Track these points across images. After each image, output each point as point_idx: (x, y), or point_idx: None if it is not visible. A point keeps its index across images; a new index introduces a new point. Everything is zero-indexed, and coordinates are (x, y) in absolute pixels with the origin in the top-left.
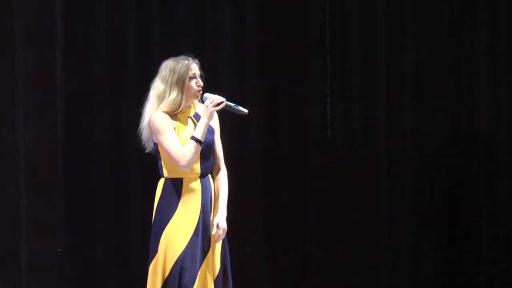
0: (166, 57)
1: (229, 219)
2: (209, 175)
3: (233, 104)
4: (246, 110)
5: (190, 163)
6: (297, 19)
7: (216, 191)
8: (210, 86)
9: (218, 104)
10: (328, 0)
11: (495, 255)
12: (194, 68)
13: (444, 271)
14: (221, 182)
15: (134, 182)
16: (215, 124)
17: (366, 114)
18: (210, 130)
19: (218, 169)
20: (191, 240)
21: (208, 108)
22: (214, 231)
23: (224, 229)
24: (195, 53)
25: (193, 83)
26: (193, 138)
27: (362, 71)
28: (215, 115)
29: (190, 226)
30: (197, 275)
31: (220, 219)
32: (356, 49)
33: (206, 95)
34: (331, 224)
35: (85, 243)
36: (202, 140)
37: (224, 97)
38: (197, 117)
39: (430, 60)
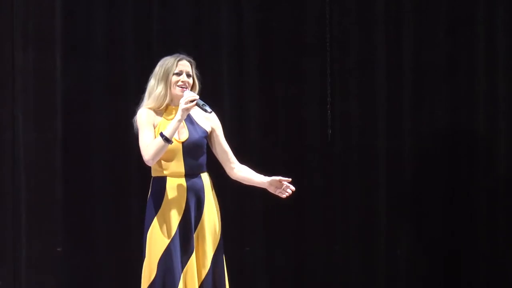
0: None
1: (229, 218)
2: (202, 175)
3: (201, 103)
4: (210, 110)
5: (152, 158)
6: (296, 19)
7: (247, 176)
8: (209, 85)
9: (191, 102)
10: (327, 0)
11: (495, 254)
12: (183, 65)
13: (443, 272)
14: (244, 167)
15: (134, 181)
16: (214, 124)
17: (366, 113)
18: (197, 130)
19: (233, 162)
20: (172, 240)
21: (181, 105)
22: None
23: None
24: (195, 53)
25: (177, 79)
26: (160, 134)
27: (362, 71)
28: (214, 116)
29: (172, 225)
30: (180, 276)
31: (273, 177)
32: (356, 49)
33: (185, 93)
34: (331, 224)
35: (84, 243)
36: (170, 138)
37: (198, 96)
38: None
39: (429, 60)
